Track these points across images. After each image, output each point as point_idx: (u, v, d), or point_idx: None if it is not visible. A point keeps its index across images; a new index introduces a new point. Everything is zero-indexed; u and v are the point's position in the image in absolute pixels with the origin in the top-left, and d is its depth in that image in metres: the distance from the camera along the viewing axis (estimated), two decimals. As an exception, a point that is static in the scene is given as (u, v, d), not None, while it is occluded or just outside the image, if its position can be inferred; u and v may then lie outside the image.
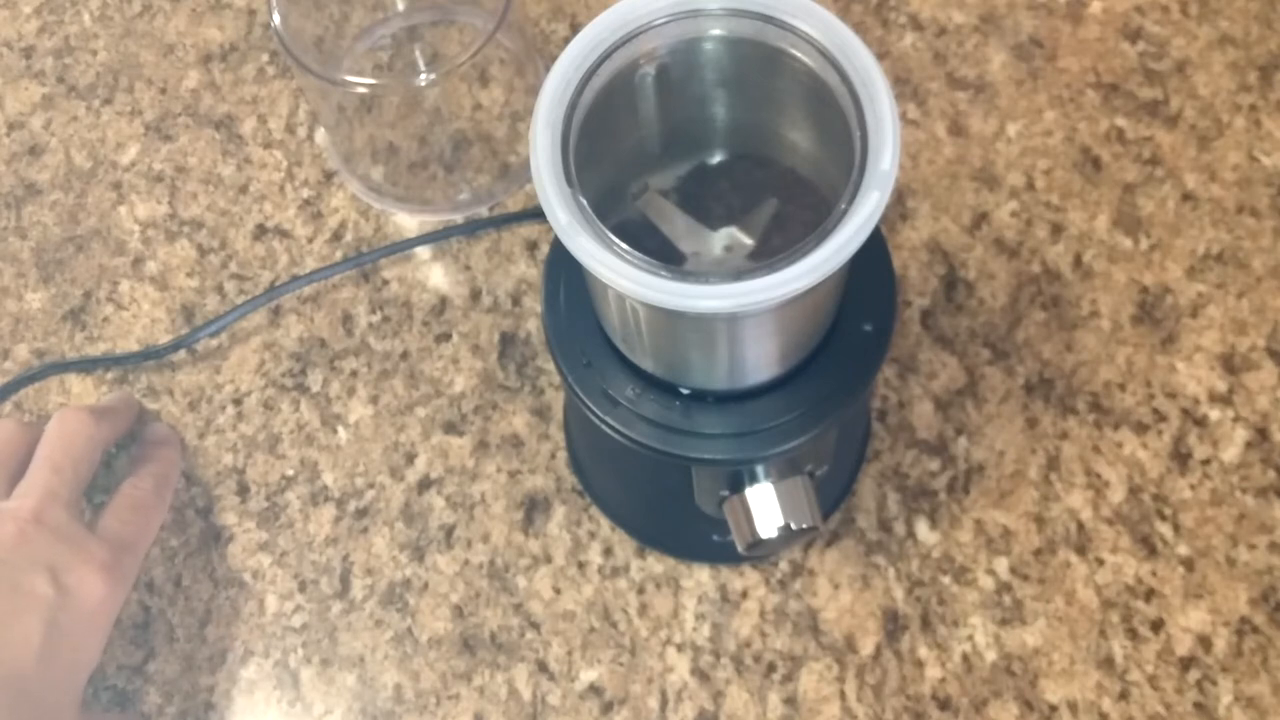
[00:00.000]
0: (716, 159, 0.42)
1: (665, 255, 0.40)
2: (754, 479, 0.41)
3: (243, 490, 0.54)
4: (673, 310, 0.33)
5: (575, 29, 0.62)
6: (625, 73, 0.37)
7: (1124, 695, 0.48)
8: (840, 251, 0.33)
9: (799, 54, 0.36)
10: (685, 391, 0.40)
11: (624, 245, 0.33)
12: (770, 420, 0.40)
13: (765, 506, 0.41)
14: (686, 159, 0.41)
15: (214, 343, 0.57)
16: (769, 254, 0.37)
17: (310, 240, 0.59)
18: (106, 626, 0.46)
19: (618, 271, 0.33)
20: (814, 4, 0.35)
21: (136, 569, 0.49)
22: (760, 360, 0.39)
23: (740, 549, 0.42)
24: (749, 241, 0.40)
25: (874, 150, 0.33)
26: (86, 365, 0.56)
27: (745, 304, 0.32)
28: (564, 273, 0.42)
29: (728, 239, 0.40)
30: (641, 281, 0.33)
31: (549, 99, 0.35)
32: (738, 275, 0.33)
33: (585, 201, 0.34)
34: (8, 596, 0.44)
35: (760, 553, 0.43)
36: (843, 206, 0.33)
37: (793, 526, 0.41)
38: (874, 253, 0.41)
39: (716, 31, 0.37)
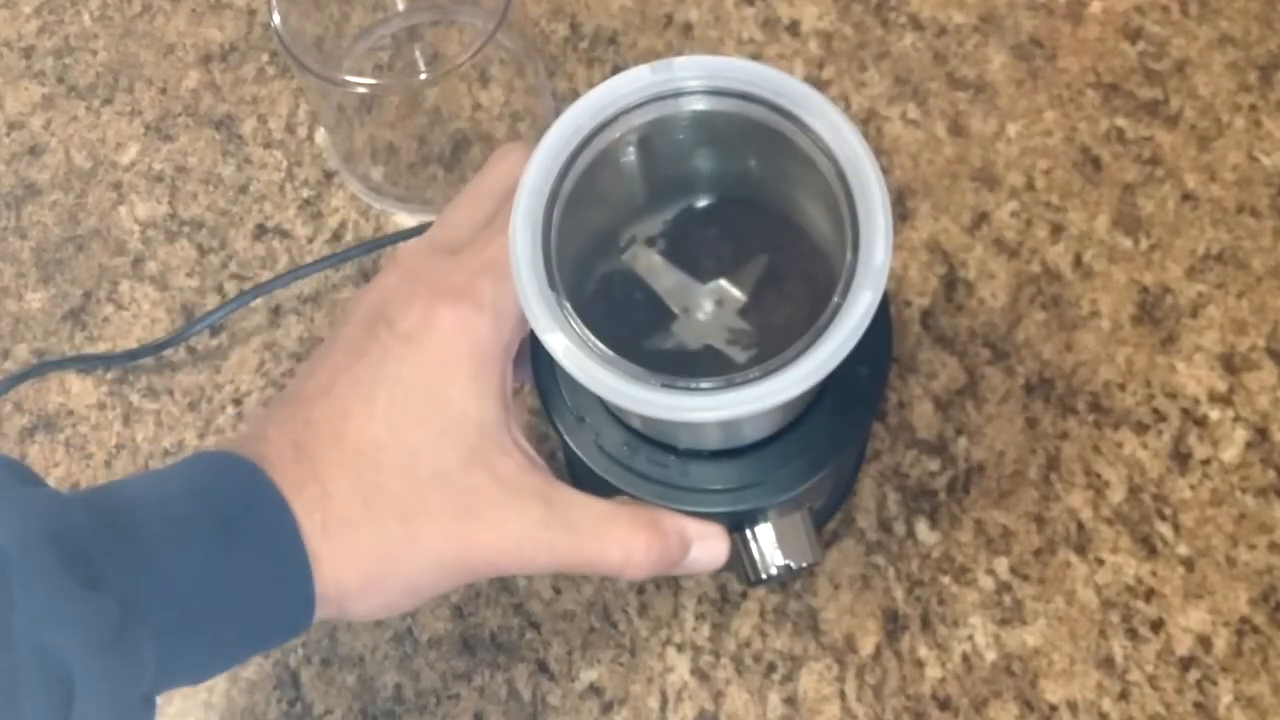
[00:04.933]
0: (706, 206, 0.40)
1: (654, 310, 0.39)
2: (753, 521, 0.41)
3: (243, 490, 0.54)
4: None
5: (575, 29, 0.63)
6: (609, 151, 0.36)
7: (1124, 695, 0.48)
8: (834, 356, 0.32)
9: (787, 135, 0.35)
10: (681, 449, 0.40)
11: (611, 352, 0.33)
12: (768, 473, 0.39)
13: (766, 547, 0.41)
14: (673, 208, 0.40)
15: (214, 342, 0.57)
16: (760, 309, 0.36)
17: (310, 240, 0.59)
18: (473, 368, 0.36)
19: (605, 384, 0.32)
20: (810, 91, 0.34)
21: (505, 290, 0.36)
22: (755, 428, 0.39)
23: (742, 584, 0.41)
24: (740, 296, 0.39)
25: (866, 240, 0.32)
26: (85, 363, 0.56)
27: (739, 414, 0.32)
28: None
29: (717, 293, 0.39)
30: (632, 395, 0.32)
31: (528, 194, 0.34)
32: (729, 384, 0.32)
33: (570, 306, 0.33)
34: (350, 365, 0.37)
35: (761, 585, 0.43)
36: (836, 300, 0.32)
37: (793, 566, 0.40)
38: None
39: (700, 108, 0.36)
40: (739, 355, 0.38)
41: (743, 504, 0.39)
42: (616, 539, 0.37)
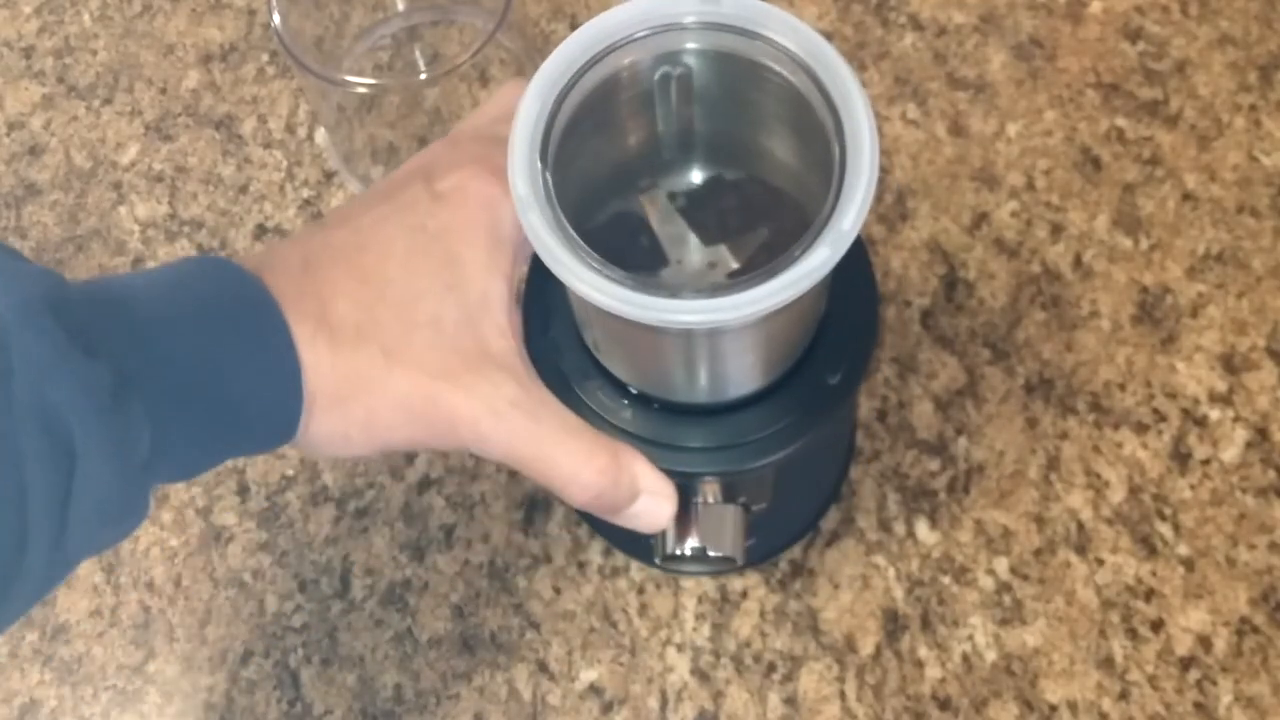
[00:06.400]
0: (728, 174, 0.41)
1: (651, 255, 0.39)
2: (687, 496, 0.40)
3: (243, 490, 0.54)
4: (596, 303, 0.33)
5: (575, 29, 0.62)
6: (624, 74, 0.37)
7: (1124, 695, 0.48)
8: (764, 300, 0.32)
9: (799, 87, 0.35)
10: (634, 392, 0.40)
11: (570, 229, 0.33)
12: (710, 442, 0.40)
13: (686, 523, 0.40)
14: (697, 167, 0.41)
15: (214, 343, 0.57)
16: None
17: (310, 240, 0.59)
18: (490, 242, 0.37)
19: (547, 248, 0.33)
20: (838, 61, 0.35)
21: None
22: (698, 380, 0.39)
23: (656, 557, 0.41)
24: (734, 264, 0.39)
25: (844, 201, 0.33)
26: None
27: (652, 319, 0.32)
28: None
29: (714, 255, 0.40)
30: (565, 263, 0.32)
31: (546, 73, 0.35)
32: (668, 292, 0.32)
33: (550, 180, 0.34)
34: (379, 205, 0.38)
35: (678, 568, 0.42)
36: (795, 252, 0.33)
37: (709, 551, 0.40)
38: (860, 303, 0.41)
39: (719, 48, 0.36)
40: None
41: (680, 464, 0.39)
42: (573, 451, 0.37)
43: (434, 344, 0.36)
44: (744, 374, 0.39)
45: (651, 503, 0.39)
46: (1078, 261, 0.55)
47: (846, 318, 0.40)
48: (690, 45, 0.36)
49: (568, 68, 0.35)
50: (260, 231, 0.59)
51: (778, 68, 0.36)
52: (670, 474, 0.39)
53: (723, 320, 0.32)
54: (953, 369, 0.54)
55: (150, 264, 0.59)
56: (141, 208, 0.61)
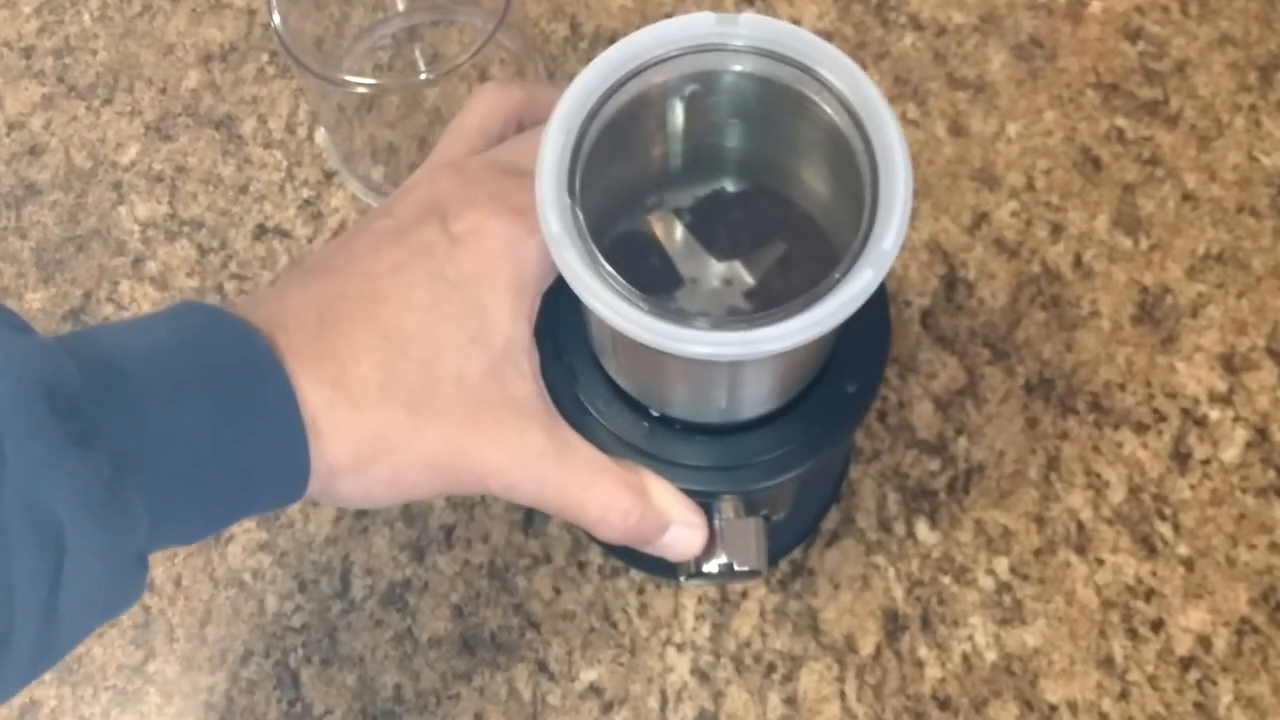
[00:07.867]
0: (737, 188, 0.41)
1: (664, 275, 0.39)
2: (708, 512, 0.40)
3: (243, 490, 0.54)
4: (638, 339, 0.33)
5: (575, 29, 0.63)
6: (648, 96, 0.36)
7: (1124, 695, 0.48)
8: (815, 326, 0.32)
9: (823, 104, 0.35)
10: (655, 414, 0.40)
11: (607, 265, 0.33)
12: (731, 460, 0.39)
13: (710, 540, 0.40)
14: (706, 182, 0.41)
15: (214, 343, 0.57)
16: (765, 296, 0.36)
17: (310, 240, 0.59)
18: (514, 285, 0.36)
19: (588, 288, 0.32)
20: (844, 58, 0.34)
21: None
22: (725, 403, 0.39)
23: (681, 576, 0.41)
24: (750, 280, 0.39)
25: (881, 223, 0.32)
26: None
27: (711, 354, 0.32)
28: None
29: (729, 272, 0.39)
30: (609, 303, 0.32)
31: (569, 104, 0.34)
32: (714, 324, 0.32)
33: (582, 216, 0.33)
34: (393, 250, 0.36)
35: (700, 583, 0.42)
36: (836, 276, 0.32)
37: (735, 567, 0.40)
38: (872, 313, 0.40)
39: (739, 68, 0.36)
40: None
41: (700, 484, 0.39)
42: (601, 493, 0.37)
43: (459, 398, 0.35)
44: (772, 393, 0.39)
45: (683, 534, 0.39)
46: (1078, 261, 0.55)
47: (858, 325, 0.40)
48: (709, 67, 0.36)
49: (589, 96, 0.34)
50: (260, 231, 0.59)
51: (799, 86, 0.35)
52: (693, 493, 0.39)
53: (780, 348, 0.32)
54: (953, 369, 0.54)
55: (150, 264, 0.59)
56: (141, 208, 0.61)
